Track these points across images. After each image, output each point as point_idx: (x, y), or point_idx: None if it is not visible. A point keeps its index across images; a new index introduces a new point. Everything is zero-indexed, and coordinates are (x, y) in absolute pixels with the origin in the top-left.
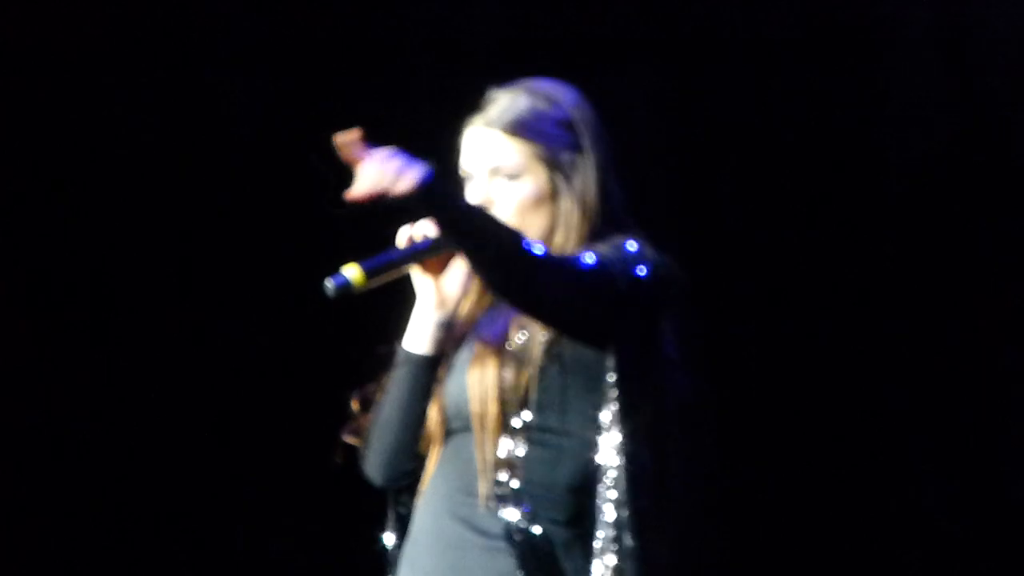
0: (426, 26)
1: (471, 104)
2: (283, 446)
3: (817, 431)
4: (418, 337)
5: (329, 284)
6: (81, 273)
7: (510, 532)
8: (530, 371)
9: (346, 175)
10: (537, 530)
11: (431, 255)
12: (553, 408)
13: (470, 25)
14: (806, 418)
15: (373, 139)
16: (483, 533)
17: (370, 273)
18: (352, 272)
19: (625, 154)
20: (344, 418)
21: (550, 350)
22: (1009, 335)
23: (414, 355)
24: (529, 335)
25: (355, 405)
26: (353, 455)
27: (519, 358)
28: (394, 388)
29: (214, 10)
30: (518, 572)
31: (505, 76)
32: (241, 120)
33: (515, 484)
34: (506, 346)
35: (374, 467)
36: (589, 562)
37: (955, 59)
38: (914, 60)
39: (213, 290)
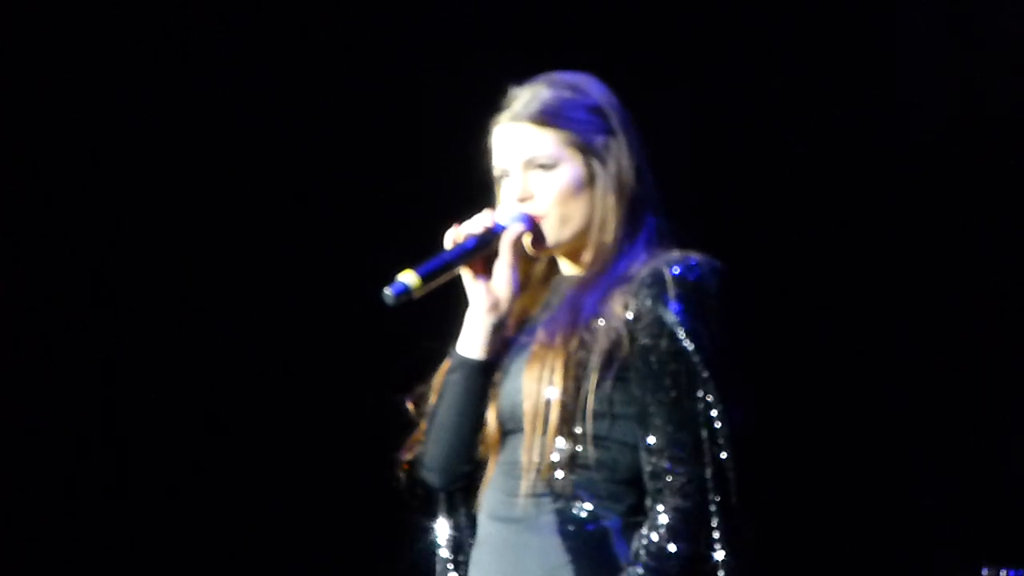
0: (426, 27)
1: (494, 104)
2: (327, 451)
3: (817, 431)
4: (472, 341)
5: (388, 292)
6: (83, 276)
7: (562, 524)
8: (589, 382)
9: None
10: (588, 517)
11: (479, 254)
12: (606, 418)
13: (471, 27)
14: (806, 418)
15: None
16: (538, 531)
17: (426, 278)
18: (409, 278)
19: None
20: (394, 422)
21: (608, 362)
22: (1009, 335)
23: (469, 360)
24: (590, 346)
25: (411, 407)
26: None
27: (580, 367)
28: (449, 393)
29: (214, 10)
30: (570, 563)
31: (505, 77)
32: (241, 120)
33: (570, 480)
34: (567, 353)
35: (431, 471)
36: None
37: (957, 58)
38: (916, 59)
39: (213, 292)
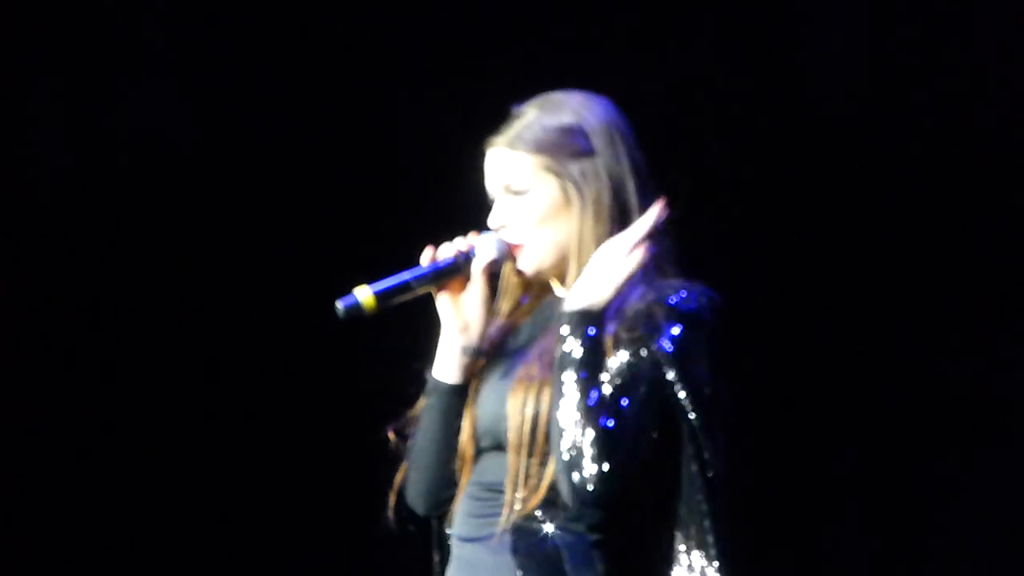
0: (427, 27)
1: (493, 127)
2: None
3: (817, 431)
4: (446, 365)
5: (339, 305)
6: (81, 275)
7: (516, 543)
8: None
9: None
10: (545, 535)
11: (448, 277)
12: None
13: (470, 29)
14: (806, 418)
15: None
16: (494, 550)
17: (381, 296)
18: (363, 293)
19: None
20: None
21: None
22: (1009, 335)
23: (443, 384)
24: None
25: (391, 436)
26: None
27: None
28: (426, 418)
29: (214, 10)
30: (517, 572)
31: (505, 77)
32: (241, 120)
33: (537, 503)
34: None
35: (415, 497)
36: (602, 567)
37: (956, 57)
38: (916, 59)
39: (214, 293)
